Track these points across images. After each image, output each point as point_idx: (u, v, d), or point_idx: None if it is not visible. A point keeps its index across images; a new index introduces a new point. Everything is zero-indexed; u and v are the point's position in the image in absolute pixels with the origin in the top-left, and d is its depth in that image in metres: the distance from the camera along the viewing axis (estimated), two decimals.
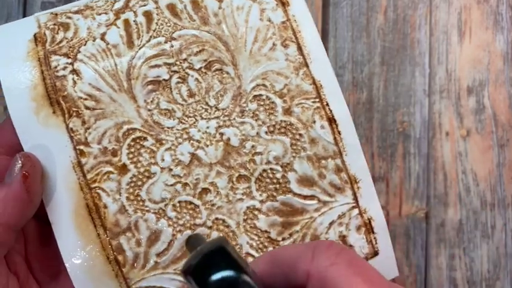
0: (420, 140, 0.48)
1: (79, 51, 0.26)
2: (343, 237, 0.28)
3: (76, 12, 0.27)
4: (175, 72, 0.26)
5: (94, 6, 0.27)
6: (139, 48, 0.26)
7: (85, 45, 0.26)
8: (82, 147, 0.26)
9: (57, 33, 0.26)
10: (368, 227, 0.28)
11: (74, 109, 0.26)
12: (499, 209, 0.47)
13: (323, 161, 0.27)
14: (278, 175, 0.27)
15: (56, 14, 0.27)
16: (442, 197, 0.47)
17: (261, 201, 0.27)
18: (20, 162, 0.24)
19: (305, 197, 0.27)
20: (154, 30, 0.27)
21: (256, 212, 0.27)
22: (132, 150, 0.26)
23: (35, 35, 0.26)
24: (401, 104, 0.48)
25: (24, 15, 0.49)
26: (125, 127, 0.26)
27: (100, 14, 0.27)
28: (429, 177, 0.47)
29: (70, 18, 0.27)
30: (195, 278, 0.19)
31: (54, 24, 0.27)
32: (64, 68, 0.26)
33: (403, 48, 0.48)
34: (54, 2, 0.49)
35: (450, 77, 0.48)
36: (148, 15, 0.27)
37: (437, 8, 0.49)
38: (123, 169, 0.26)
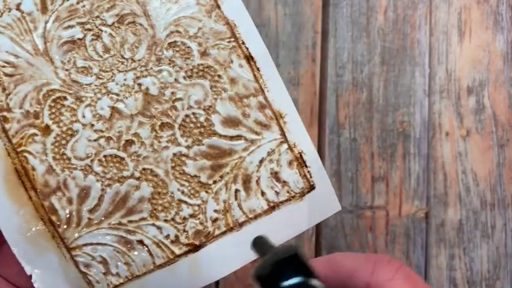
0: (420, 140, 0.48)
1: None
2: (275, 174, 0.28)
3: None
4: (89, 30, 0.27)
5: None
6: (52, 13, 0.27)
7: (1, 16, 0.27)
8: (4, 113, 0.26)
9: None
10: (299, 161, 0.28)
11: None
12: (499, 209, 0.47)
13: (245, 100, 0.28)
14: (201, 119, 0.27)
15: None
16: (442, 197, 0.47)
17: (187, 147, 0.27)
18: None
19: (231, 138, 0.28)
20: None
21: (183, 158, 0.27)
22: (53, 110, 0.27)
23: None
24: (401, 104, 0.48)
25: None
26: (45, 89, 0.27)
27: None
28: (429, 177, 0.47)
29: None
30: (267, 284, 0.20)
31: None
32: None
33: (403, 48, 0.48)
34: None
35: (450, 77, 0.48)
36: None
37: (437, 8, 0.49)
38: (46, 130, 0.27)
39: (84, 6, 0.27)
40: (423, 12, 0.49)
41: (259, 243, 0.23)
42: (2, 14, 0.27)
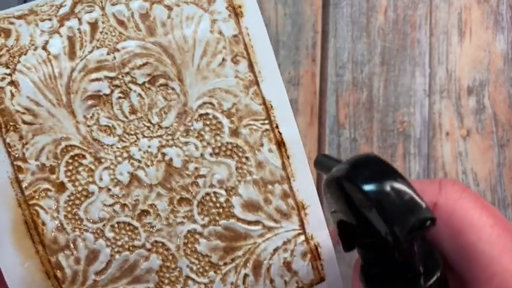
0: (420, 140, 0.48)
1: (19, 61, 0.25)
2: (287, 264, 0.27)
3: (19, 17, 0.26)
4: (117, 86, 0.25)
5: (38, 11, 0.26)
6: (80, 60, 0.25)
7: (25, 54, 0.25)
8: (19, 163, 0.25)
9: None
10: (314, 254, 0.27)
11: (11, 123, 0.25)
12: (499, 209, 0.47)
13: (270, 186, 0.26)
14: (222, 199, 0.26)
15: None
16: None
17: (203, 226, 0.26)
18: None
19: (249, 222, 0.26)
20: (97, 40, 0.25)
21: (197, 236, 0.26)
22: (70, 167, 0.25)
23: None
24: (401, 104, 0.48)
25: None
26: (64, 143, 0.25)
27: (43, 21, 0.26)
28: (429, 177, 0.47)
29: (12, 23, 0.26)
30: (349, 183, 0.19)
31: None
32: (2, 79, 0.25)
33: (403, 48, 0.48)
34: None
35: (450, 77, 0.48)
36: (93, 23, 0.26)
37: (437, 8, 0.49)
38: (61, 187, 0.25)
39: (115, 58, 0.25)
40: (423, 12, 0.48)
41: (324, 160, 0.23)
42: (27, 51, 0.25)
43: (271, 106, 0.26)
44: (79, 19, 0.26)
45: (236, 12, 0.26)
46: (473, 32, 0.48)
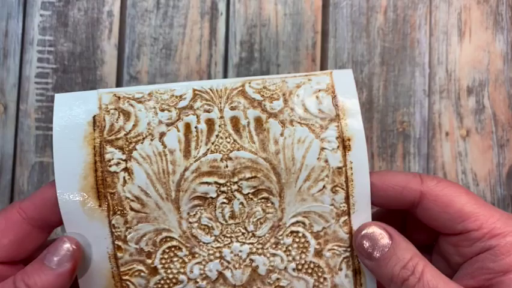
0: (420, 140, 0.48)
1: (135, 149, 0.27)
2: None
3: (139, 101, 0.27)
4: (223, 192, 0.27)
5: (158, 98, 0.27)
6: (195, 161, 0.27)
7: (142, 142, 0.27)
8: (120, 243, 0.27)
9: (117, 121, 0.27)
10: None
11: (120, 208, 0.27)
12: (499, 208, 0.47)
13: None
14: None
15: (119, 98, 0.27)
16: None
17: None
18: (69, 250, 0.26)
19: None
20: (212, 143, 0.27)
21: None
22: (165, 256, 0.27)
23: (94, 117, 0.27)
24: (401, 104, 0.48)
25: (24, 15, 0.49)
26: (164, 234, 0.27)
27: (163, 110, 0.27)
28: None
29: (132, 106, 0.27)
30: None
31: (115, 109, 0.27)
32: (117, 164, 0.27)
33: (403, 48, 0.48)
34: (54, 1, 0.49)
35: (450, 77, 0.48)
36: (210, 124, 0.27)
37: (437, 8, 0.49)
38: (154, 271, 0.27)
39: (227, 167, 0.27)
40: (423, 12, 0.49)
41: None
42: (143, 139, 0.27)
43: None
44: (198, 116, 0.27)
45: (344, 145, 0.27)
46: (473, 32, 0.48)
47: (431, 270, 0.24)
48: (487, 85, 0.48)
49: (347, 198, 0.27)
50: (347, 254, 0.28)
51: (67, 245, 0.26)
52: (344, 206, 0.27)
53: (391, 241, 0.25)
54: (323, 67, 0.48)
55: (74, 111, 0.27)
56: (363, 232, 0.26)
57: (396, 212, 0.29)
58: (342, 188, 0.27)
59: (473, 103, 0.48)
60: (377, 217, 0.28)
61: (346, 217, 0.27)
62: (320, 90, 0.28)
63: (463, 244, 0.25)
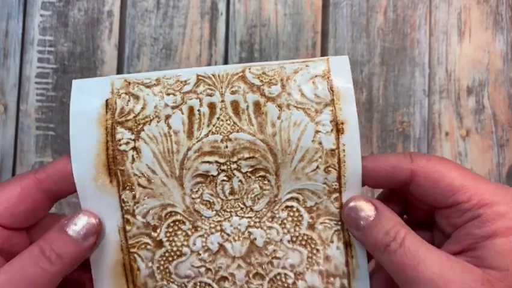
0: (420, 140, 0.48)
1: (143, 130, 0.29)
2: None
3: (148, 86, 0.29)
4: (223, 171, 0.29)
5: (165, 83, 0.29)
6: (197, 141, 0.29)
7: (149, 124, 0.29)
8: (129, 216, 0.29)
9: (127, 104, 0.29)
10: None
11: (128, 184, 0.29)
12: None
13: (331, 278, 0.30)
14: (290, 281, 0.29)
15: (129, 83, 0.29)
16: None
17: None
18: (95, 226, 0.28)
19: None
20: (214, 125, 0.29)
21: None
22: (170, 230, 0.29)
23: (106, 101, 0.29)
24: (401, 104, 0.48)
25: (24, 16, 0.49)
26: (169, 209, 0.29)
27: (168, 94, 0.29)
28: None
29: (141, 90, 0.29)
30: None
31: (126, 94, 0.29)
32: (127, 143, 0.29)
33: (403, 48, 0.48)
34: (54, 2, 0.49)
35: (450, 77, 0.48)
36: (212, 107, 0.29)
37: (437, 8, 0.49)
38: (159, 244, 0.29)
39: (227, 147, 0.29)
40: (423, 12, 0.49)
41: None
42: (150, 121, 0.29)
43: None
44: (200, 100, 0.29)
45: (338, 129, 0.29)
46: (473, 32, 0.48)
47: (413, 237, 0.26)
48: (486, 85, 0.48)
49: (339, 178, 0.29)
50: (338, 227, 0.29)
51: (92, 220, 0.28)
52: (335, 185, 0.29)
53: (376, 211, 0.27)
54: None
55: (89, 96, 0.29)
56: (351, 204, 0.28)
57: (395, 194, 0.31)
58: (335, 169, 0.29)
59: (473, 103, 0.48)
60: (379, 199, 0.29)
61: (337, 194, 0.29)
62: (316, 76, 0.29)
63: (454, 215, 0.27)
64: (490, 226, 0.25)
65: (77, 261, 0.27)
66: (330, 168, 0.29)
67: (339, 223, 0.29)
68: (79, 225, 0.27)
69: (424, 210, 0.29)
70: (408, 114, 0.48)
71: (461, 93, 0.48)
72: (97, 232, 0.28)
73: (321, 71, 0.29)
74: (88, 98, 0.29)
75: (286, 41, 0.48)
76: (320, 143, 0.28)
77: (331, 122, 0.28)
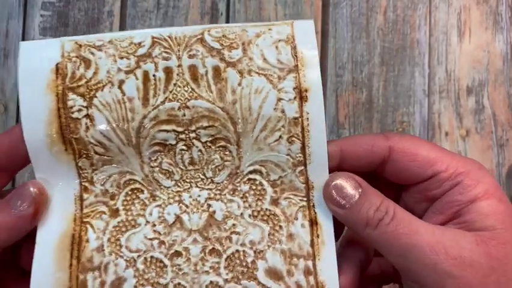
0: None
1: (96, 96, 0.27)
2: None
3: (99, 49, 0.27)
4: (182, 140, 0.27)
5: (118, 45, 0.27)
6: (153, 109, 0.27)
7: (102, 90, 0.27)
8: (87, 184, 0.28)
9: (78, 68, 0.27)
10: None
11: (84, 152, 0.27)
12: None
13: (295, 259, 0.27)
14: (249, 259, 0.27)
15: (80, 46, 0.28)
16: None
17: (225, 280, 0.27)
18: (32, 194, 0.26)
19: None
20: (170, 92, 0.27)
21: None
22: (128, 198, 0.28)
23: (57, 65, 0.27)
24: (401, 104, 0.48)
25: (24, 16, 0.49)
26: (128, 177, 0.28)
27: (122, 58, 0.27)
28: None
29: (92, 54, 0.27)
30: None
31: (77, 57, 0.27)
32: (79, 111, 0.27)
33: (403, 48, 0.48)
34: (54, 2, 0.49)
35: (449, 77, 0.48)
36: (168, 72, 0.27)
37: (437, 8, 0.49)
38: (115, 213, 0.28)
39: (184, 115, 0.27)
40: (423, 13, 0.49)
41: None
42: (103, 86, 0.27)
43: (313, 187, 0.28)
44: (156, 64, 0.27)
45: (301, 96, 0.27)
46: (473, 32, 0.48)
47: (402, 209, 0.26)
48: (486, 85, 0.48)
49: (303, 148, 0.27)
50: (303, 203, 0.28)
51: (31, 189, 0.26)
52: (300, 156, 0.27)
53: (360, 189, 0.26)
54: (323, 67, 0.48)
55: (38, 59, 0.27)
56: (333, 183, 0.27)
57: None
58: (298, 139, 0.27)
59: (473, 103, 0.48)
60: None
61: (302, 167, 0.27)
62: (280, 41, 0.27)
63: (432, 187, 0.27)
64: (471, 191, 0.26)
65: (15, 232, 0.26)
66: (293, 138, 0.27)
67: (305, 199, 0.28)
68: (17, 194, 0.26)
69: (392, 193, 0.29)
70: (408, 114, 0.48)
71: (461, 93, 0.48)
72: (36, 202, 0.26)
73: (285, 35, 0.27)
74: (36, 62, 0.27)
75: None
76: (283, 111, 0.27)
77: (294, 89, 0.27)
